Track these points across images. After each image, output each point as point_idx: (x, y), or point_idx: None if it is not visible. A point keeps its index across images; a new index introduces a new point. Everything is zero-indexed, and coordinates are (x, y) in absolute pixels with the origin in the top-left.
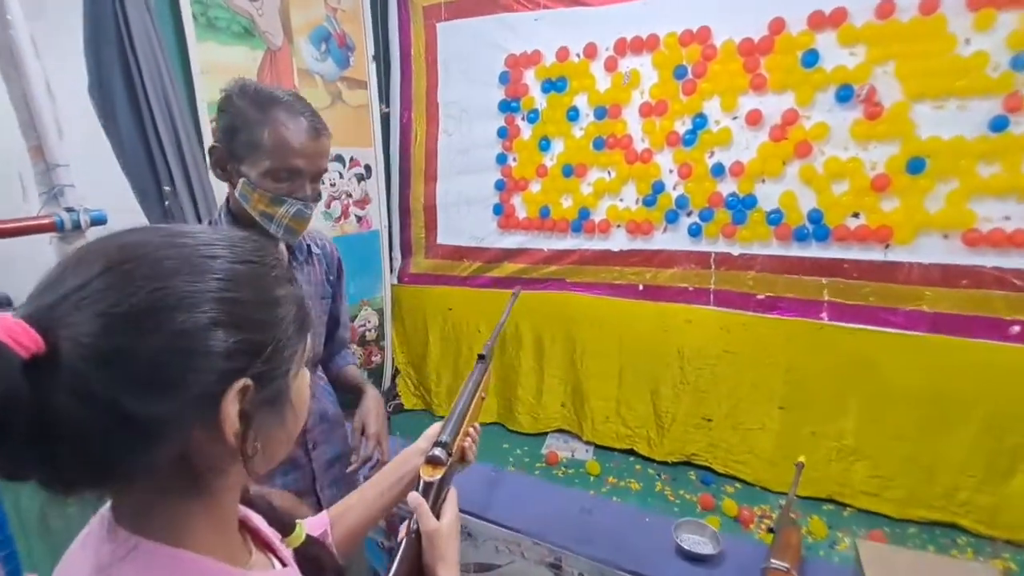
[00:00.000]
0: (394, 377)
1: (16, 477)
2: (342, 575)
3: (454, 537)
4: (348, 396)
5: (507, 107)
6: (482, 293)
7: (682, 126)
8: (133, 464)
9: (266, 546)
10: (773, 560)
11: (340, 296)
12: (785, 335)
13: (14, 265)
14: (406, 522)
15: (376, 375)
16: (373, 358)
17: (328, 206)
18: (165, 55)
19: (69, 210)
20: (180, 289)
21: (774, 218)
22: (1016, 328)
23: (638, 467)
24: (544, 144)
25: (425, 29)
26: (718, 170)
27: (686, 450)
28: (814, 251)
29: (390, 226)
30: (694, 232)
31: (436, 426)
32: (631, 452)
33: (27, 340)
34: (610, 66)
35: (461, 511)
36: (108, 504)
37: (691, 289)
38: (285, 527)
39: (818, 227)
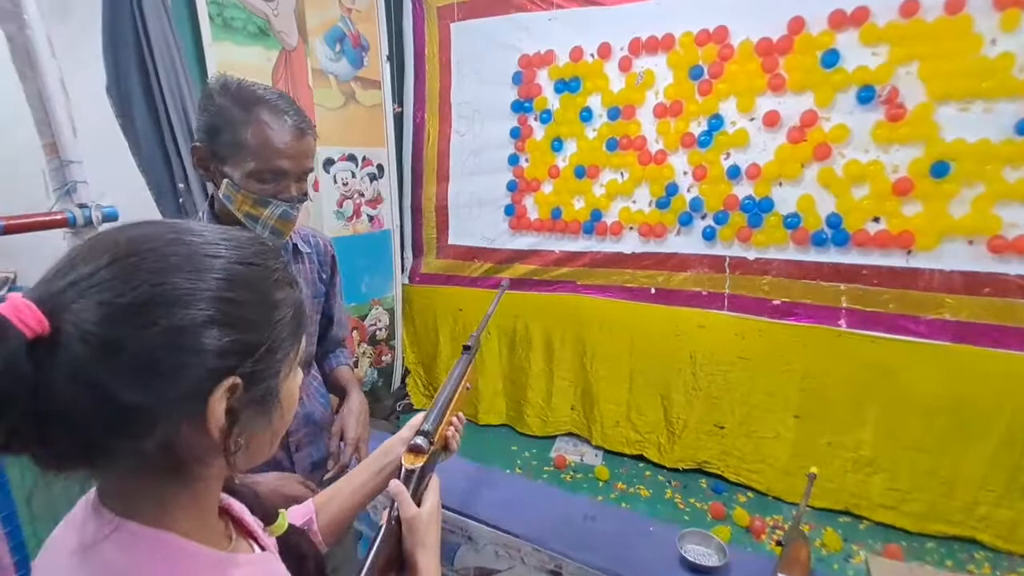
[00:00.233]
0: (404, 377)
1: (11, 451)
2: (323, 563)
3: (434, 523)
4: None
5: (520, 107)
6: (493, 294)
7: (697, 127)
8: (119, 448)
9: (248, 533)
10: (780, 575)
11: (334, 294)
12: (801, 342)
13: (31, 256)
14: (387, 510)
15: (386, 374)
16: (383, 357)
17: (340, 205)
18: (182, 55)
19: (82, 206)
20: (180, 286)
21: (791, 222)
22: None
23: (648, 473)
24: (557, 145)
25: (439, 29)
26: (734, 172)
27: (697, 457)
28: (832, 256)
29: (402, 226)
30: (708, 235)
31: (420, 415)
32: (641, 458)
33: (32, 321)
34: (624, 66)
35: (462, 514)
36: (94, 487)
37: (705, 293)
38: (268, 516)
39: (837, 232)
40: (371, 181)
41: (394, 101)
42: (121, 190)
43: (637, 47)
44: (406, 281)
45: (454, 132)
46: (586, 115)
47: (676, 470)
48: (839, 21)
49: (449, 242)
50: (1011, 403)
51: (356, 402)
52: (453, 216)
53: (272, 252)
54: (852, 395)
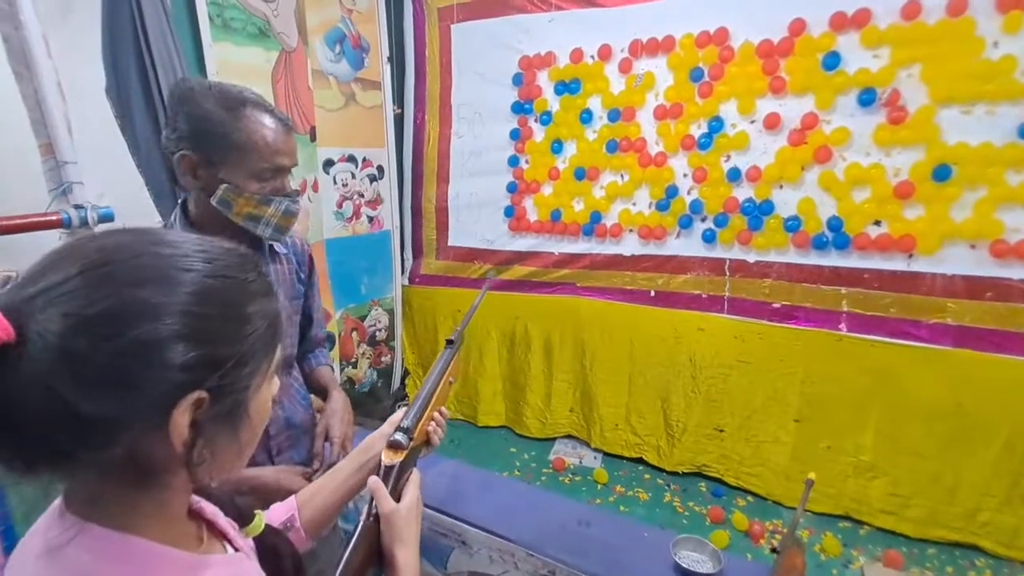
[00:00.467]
0: (404, 378)
1: None
2: (301, 563)
3: (414, 519)
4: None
5: (520, 109)
6: (493, 296)
7: (698, 129)
8: (81, 457)
9: (221, 535)
10: None
11: (312, 294)
12: (802, 346)
13: (32, 256)
14: (367, 506)
15: (386, 375)
16: (383, 358)
17: (340, 206)
18: (181, 56)
19: (78, 207)
20: (147, 299)
21: (792, 225)
22: None
23: (647, 476)
24: (557, 147)
25: (440, 30)
26: (734, 175)
27: (697, 461)
28: (833, 259)
29: (402, 227)
30: (708, 238)
31: (401, 411)
32: (640, 461)
33: None
34: (624, 68)
35: (456, 518)
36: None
37: (704, 296)
38: (243, 518)
39: (838, 235)
40: (371, 182)
41: (394, 102)
42: (120, 191)
43: (637, 49)
44: (406, 282)
45: (454, 133)
46: (586, 117)
47: (675, 473)
48: (840, 23)
49: (449, 243)
50: (1013, 409)
51: (339, 402)
52: (453, 217)
53: (249, 263)
54: (853, 399)
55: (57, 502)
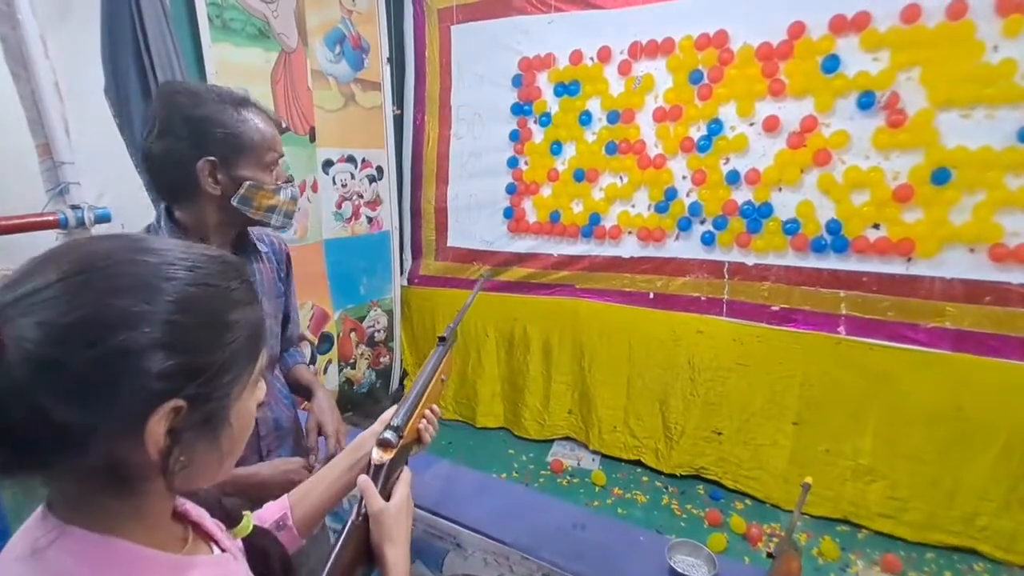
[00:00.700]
0: (402, 379)
1: None
2: (289, 563)
3: (403, 517)
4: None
5: (520, 110)
6: (491, 297)
7: (697, 132)
8: (57, 462)
9: (208, 536)
10: None
11: (290, 293)
12: (800, 349)
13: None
14: (356, 505)
15: (385, 376)
16: (381, 359)
17: (339, 207)
18: (180, 57)
19: (74, 207)
20: (126, 308)
21: (791, 228)
22: None
23: (645, 479)
24: (556, 148)
25: (440, 32)
26: (733, 177)
27: (695, 463)
28: (832, 263)
29: (401, 228)
30: (707, 240)
31: (392, 409)
32: (638, 463)
33: None
34: (624, 70)
35: (450, 520)
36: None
37: (703, 299)
38: (230, 519)
39: (836, 238)
40: (370, 183)
41: (394, 103)
42: (119, 191)
43: (637, 51)
44: (405, 283)
45: (453, 135)
46: (585, 119)
47: (673, 476)
48: (840, 26)
49: (448, 244)
50: (1011, 413)
51: (325, 398)
52: (452, 218)
53: (232, 271)
54: (851, 403)
55: (42, 504)
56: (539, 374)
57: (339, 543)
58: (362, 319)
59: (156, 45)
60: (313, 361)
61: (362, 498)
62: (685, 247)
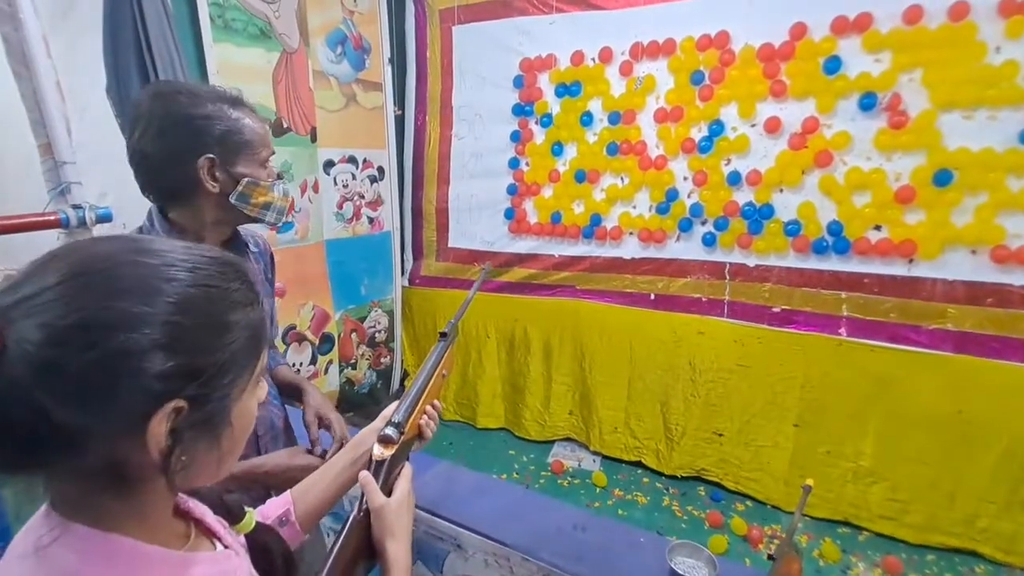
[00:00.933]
0: (403, 379)
1: None
2: (292, 559)
3: (405, 513)
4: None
5: (521, 111)
6: (492, 298)
7: (698, 133)
8: (59, 462)
9: (210, 533)
10: None
11: (271, 293)
12: (801, 350)
13: (35, 255)
14: (358, 501)
15: (385, 376)
16: (382, 359)
17: (340, 207)
18: (182, 56)
19: (76, 207)
20: (126, 310)
21: (792, 229)
22: None
23: (646, 480)
24: (557, 149)
25: (441, 32)
26: (734, 178)
27: (696, 465)
28: (833, 264)
29: (402, 228)
30: (708, 241)
31: (393, 405)
32: (639, 464)
33: None
34: (625, 71)
35: (451, 522)
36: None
37: (704, 300)
38: (232, 516)
39: (838, 239)
40: (371, 183)
41: (395, 103)
42: (120, 191)
43: (638, 52)
44: (406, 283)
45: (455, 135)
46: (587, 119)
47: (674, 477)
48: (842, 27)
49: (449, 245)
50: (1013, 415)
51: (317, 392)
52: (453, 219)
53: (234, 272)
54: (853, 405)
55: (46, 503)
56: (540, 375)
57: (341, 538)
58: (363, 319)
59: (158, 45)
60: (314, 361)
61: (363, 494)
62: (686, 248)
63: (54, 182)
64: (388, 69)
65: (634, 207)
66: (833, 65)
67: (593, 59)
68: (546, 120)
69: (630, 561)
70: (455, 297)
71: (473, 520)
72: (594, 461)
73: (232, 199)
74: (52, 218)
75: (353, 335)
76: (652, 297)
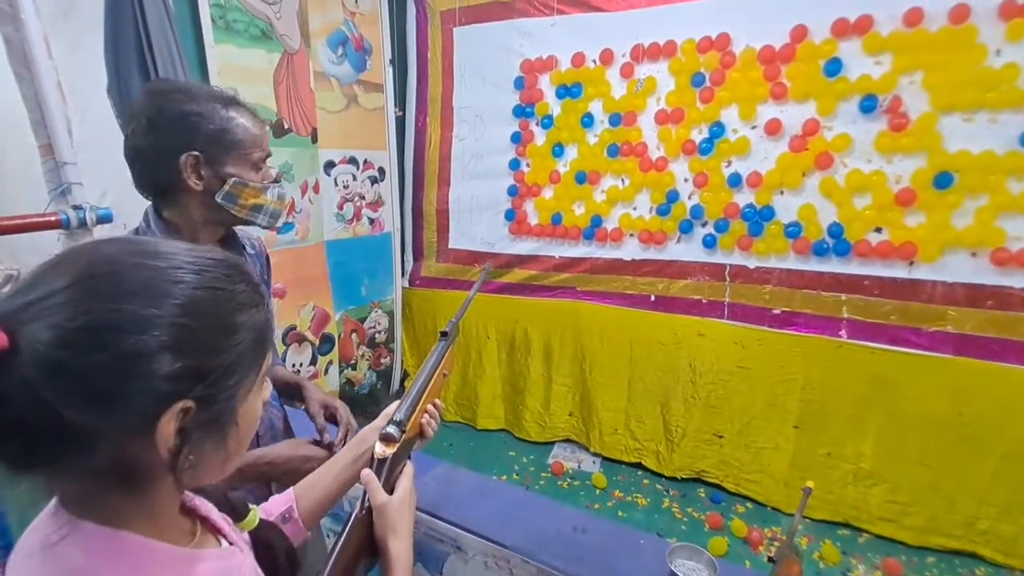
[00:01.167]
0: (403, 380)
1: None
2: (294, 556)
3: (406, 511)
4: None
5: (522, 112)
6: (492, 299)
7: (699, 134)
8: (68, 462)
9: (215, 530)
10: None
11: (268, 294)
12: (802, 352)
13: (36, 255)
14: (360, 500)
15: (385, 377)
16: (382, 360)
17: (341, 208)
18: (183, 57)
19: (76, 207)
20: (135, 312)
21: (792, 231)
22: None
23: (646, 482)
24: (558, 150)
25: (442, 33)
26: (735, 180)
27: (696, 466)
28: (834, 266)
29: (402, 229)
30: (709, 243)
31: (395, 404)
32: (639, 466)
33: None
34: (626, 72)
35: (451, 523)
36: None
37: (705, 301)
38: (237, 513)
39: (838, 241)
40: (372, 184)
41: (396, 104)
42: (121, 191)
43: (639, 53)
44: (406, 284)
45: (455, 136)
46: (587, 121)
47: (674, 479)
48: (842, 30)
49: (449, 246)
50: (1013, 417)
51: (318, 387)
52: (454, 220)
53: (239, 274)
54: (853, 407)
55: (53, 500)
56: (540, 376)
57: (343, 536)
58: (363, 320)
59: (159, 45)
60: (314, 362)
61: (365, 491)
62: (686, 250)
63: (55, 183)
64: (389, 70)
65: (634, 208)
66: (834, 67)
67: (594, 61)
68: (547, 121)
69: (630, 563)
70: (455, 298)
71: (473, 522)
72: (594, 463)
73: (218, 198)
74: (53, 219)
75: (353, 336)
76: (652, 299)
